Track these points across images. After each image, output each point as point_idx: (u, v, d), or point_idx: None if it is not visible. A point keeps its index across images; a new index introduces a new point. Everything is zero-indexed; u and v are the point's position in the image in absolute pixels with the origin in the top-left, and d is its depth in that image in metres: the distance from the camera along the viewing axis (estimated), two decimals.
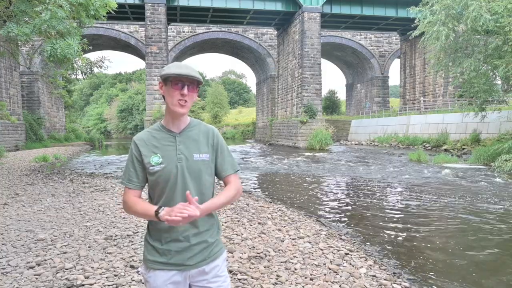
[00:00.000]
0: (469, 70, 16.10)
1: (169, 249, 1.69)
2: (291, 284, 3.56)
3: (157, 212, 1.60)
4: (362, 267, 4.09)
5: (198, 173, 1.73)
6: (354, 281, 3.67)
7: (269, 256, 4.31)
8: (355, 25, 39.40)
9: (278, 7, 33.28)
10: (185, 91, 1.67)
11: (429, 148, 24.41)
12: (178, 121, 1.75)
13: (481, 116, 18.54)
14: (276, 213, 6.80)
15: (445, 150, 22.44)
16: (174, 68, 1.68)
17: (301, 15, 32.34)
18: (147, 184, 1.80)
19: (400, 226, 6.44)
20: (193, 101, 1.76)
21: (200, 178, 1.73)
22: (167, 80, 1.69)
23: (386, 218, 7.00)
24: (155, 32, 31.05)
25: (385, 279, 3.77)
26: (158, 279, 1.70)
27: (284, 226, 5.76)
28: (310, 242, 4.89)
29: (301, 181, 12.11)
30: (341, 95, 63.89)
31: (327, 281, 3.63)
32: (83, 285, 3.42)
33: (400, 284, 3.72)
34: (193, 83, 1.70)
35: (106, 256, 4.22)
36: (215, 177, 1.84)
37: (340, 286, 3.55)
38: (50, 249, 4.46)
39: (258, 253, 4.37)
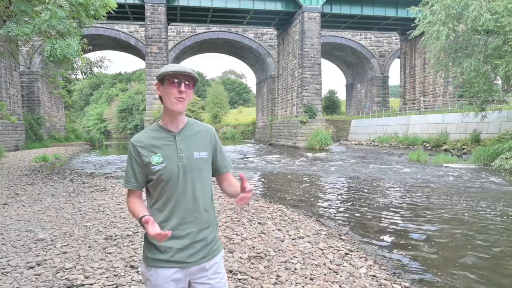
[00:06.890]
0: (469, 70, 16.09)
1: (170, 247, 1.70)
2: (291, 284, 3.55)
3: (141, 222, 1.67)
4: (362, 267, 4.09)
5: (198, 171, 1.76)
6: (354, 281, 3.66)
7: (269, 256, 4.31)
8: (355, 25, 39.42)
9: (278, 7, 33.30)
10: (182, 87, 1.71)
11: (429, 148, 24.39)
12: (176, 121, 1.78)
13: (481, 116, 18.53)
14: (276, 213, 6.80)
15: (445, 150, 22.43)
16: (169, 67, 1.73)
17: (301, 15, 32.35)
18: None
19: (400, 226, 6.44)
20: (190, 99, 1.81)
21: (201, 175, 1.77)
22: (163, 79, 1.73)
23: (386, 218, 7.00)
24: (155, 32, 31.06)
25: (385, 279, 3.77)
26: (159, 277, 1.70)
27: (284, 226, 5.75)
28: (310, 242, 4.89)
29: (301, 181, 12.11)
30: (341, 95, 64.01)
31: (327, 281, 3.62)
32: (83, 285, 3.42)
33: (400, 284, 3.72)
34: (189, 80, 1.74)
35: (106, 256, 4.22)
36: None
37: (340, 286, 3.55)
38: (50, 249, 4.46)
39: (258, 253, 4.37)
